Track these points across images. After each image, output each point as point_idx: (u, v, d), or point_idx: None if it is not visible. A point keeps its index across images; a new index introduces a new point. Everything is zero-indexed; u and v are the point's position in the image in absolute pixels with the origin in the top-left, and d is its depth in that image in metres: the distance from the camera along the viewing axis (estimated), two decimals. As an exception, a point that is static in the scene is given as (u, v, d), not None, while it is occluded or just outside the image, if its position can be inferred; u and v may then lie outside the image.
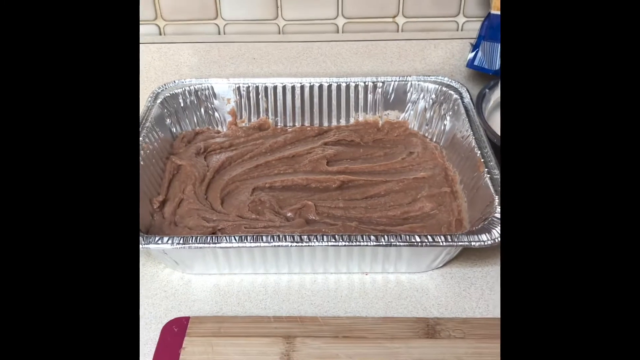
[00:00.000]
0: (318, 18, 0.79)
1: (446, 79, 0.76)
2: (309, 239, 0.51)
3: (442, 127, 0.74)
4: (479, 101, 0.68)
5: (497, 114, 0.72)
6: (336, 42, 0.79)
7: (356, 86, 0.75)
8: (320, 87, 0.75)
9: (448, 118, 0.73)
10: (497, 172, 0.59)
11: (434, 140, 0.75)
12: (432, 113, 0.75)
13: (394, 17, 0.78)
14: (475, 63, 0.74)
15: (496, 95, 0.71)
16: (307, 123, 0.77)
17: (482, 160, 0.61)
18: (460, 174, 0.66)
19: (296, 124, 0.77)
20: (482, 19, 0.73)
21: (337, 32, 0.80)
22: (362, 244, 0.51)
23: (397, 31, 0.79)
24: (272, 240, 0.51)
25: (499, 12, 0.69)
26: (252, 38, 0.79)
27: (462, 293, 0.55)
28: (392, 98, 0.76)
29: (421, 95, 0.76)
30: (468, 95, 0.72)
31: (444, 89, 0.74)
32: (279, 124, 0.77)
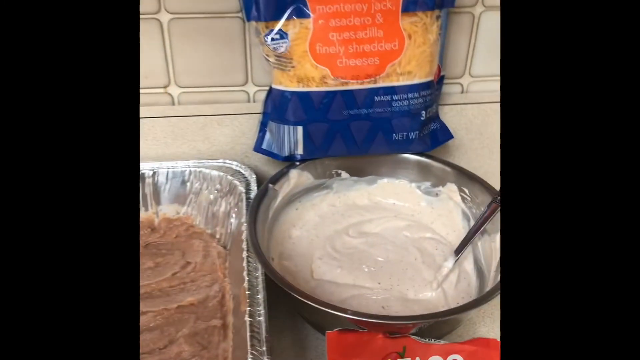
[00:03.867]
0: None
1: (235, 163, 0.61)
2: None
3: (229, 227, 0.59)
4: (257, 203, 0.53)
5: (287, 214, 0.58)
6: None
7: (115, 178, 0.58)
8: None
9: (234, 216, 0.58)
10: (261, 311, 0.45)
11: (222, 241, 0.59)
12: (217, 207, 0.60)
13: (166, 87, 0.62)
14: (264, 146, 0.59)
15: (286, 189, 0.57)
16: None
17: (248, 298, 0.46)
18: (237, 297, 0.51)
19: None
20: (273, 89, 0.59)
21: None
22: None
23: (172, 104, 0.63)
24: None
25: (281, 88, 0.55)
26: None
27: None
28: (167, 189, 0.60)
29: (204, 185, 0.61)
30: (256, 187, 0.57)
31: (230, 177, 0.59)
32: None
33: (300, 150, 0.57)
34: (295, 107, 0.55)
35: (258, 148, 0.59)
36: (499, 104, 0.65)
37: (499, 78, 0.66)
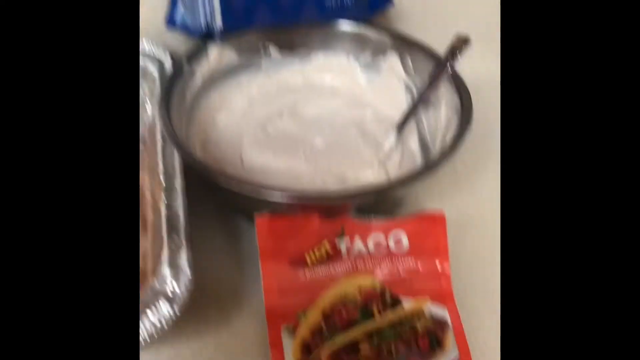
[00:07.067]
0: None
1: (145, 43, 0.53)
2: None
3: (145, 117, 0.52)
4: (170, 85, 0.46)
5: (210, 98, 0.51)
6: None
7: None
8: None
9: (148, 102, 0.51)
10: (179, 201, 0.39)
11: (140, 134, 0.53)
12: (131, 96, 0.53)
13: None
14: (177, 21, 0.51)
15: (205, 69, 0.50)
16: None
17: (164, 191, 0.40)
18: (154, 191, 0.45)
19: None
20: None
21: None
22: None
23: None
24: None
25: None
26: None
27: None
28: (70, 79, 0.52)
29: (113, 72, 0.53)
30: (171, 70, 0.50)
31: (142, 58, 0.52)
32: None
33: (218, 21, 0.49)
34: (207, -34, 0.46)
35: (170, 23, 0.51)
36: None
37: None
